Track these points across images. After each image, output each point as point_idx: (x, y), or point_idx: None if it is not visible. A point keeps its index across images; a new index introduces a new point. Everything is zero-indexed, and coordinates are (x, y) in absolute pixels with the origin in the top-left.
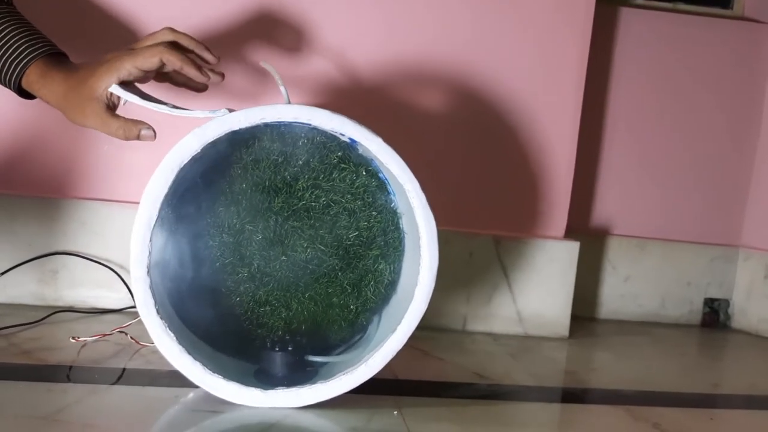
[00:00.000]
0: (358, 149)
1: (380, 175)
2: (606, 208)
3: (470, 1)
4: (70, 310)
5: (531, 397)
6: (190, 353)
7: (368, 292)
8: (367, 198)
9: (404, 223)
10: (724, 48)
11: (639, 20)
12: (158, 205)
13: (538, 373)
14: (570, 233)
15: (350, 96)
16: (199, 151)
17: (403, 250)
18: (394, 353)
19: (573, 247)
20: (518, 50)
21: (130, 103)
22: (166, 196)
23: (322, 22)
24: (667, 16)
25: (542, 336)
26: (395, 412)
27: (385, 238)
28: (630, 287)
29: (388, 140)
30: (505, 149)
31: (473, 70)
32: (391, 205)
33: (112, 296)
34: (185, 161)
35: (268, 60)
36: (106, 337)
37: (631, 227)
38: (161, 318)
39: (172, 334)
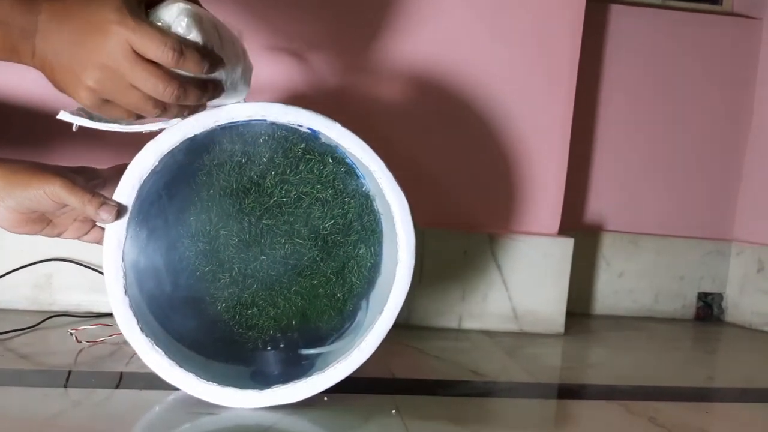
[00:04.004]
0: (320, 138)
1: (347, 160)
2: (599, 204)
3: (462, 1)
4: (65, 314)
5: (527, 393)
6: (181, 366)
7: (353, 278)
8: (338, 185)
9: (378, 205)
10: (713, 43)
11: (629, 17)
12: (125, 225)
13: (534, 369)
14: (564, 230)
15: (342, 100)
16: (157, 164)
17: (381, 232)
18: (384, 334)
19: (567, 244)
20: (509, 49)
21: (82, 127)
22: (131, 213)
23: (302, 16)
24: (656, 13)
25: (537, 332)
26: (393, 411)
27: (362, 222)
28: (624, 283)
29: (381, 141)
30: (499, 147)
31: (465, 69)
32: (363, 189)
33: (107, 300)
34: (144, 176)
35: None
36: (103, 341)
37: (625, 223)
38: (146, 335)
39: (160, 350)
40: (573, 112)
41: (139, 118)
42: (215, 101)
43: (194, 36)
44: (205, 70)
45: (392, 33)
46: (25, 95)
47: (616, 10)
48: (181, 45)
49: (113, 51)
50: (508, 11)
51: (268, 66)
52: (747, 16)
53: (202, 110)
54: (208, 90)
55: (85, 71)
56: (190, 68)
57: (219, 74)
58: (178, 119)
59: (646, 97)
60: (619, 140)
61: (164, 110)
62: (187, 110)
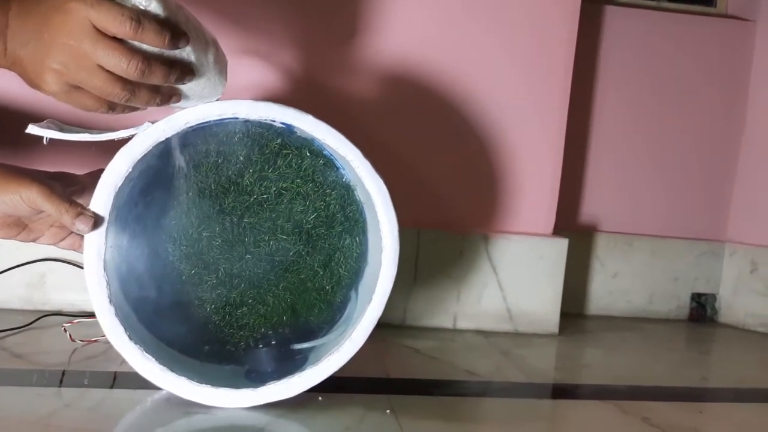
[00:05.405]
0: (296, 132)
1: (325, 152)
2: (594, 205)
3: (457, 1)
4: (59, 313)
5: (522, 393)
6: (173, 370)
7: (340, 269)
8: (318, 178)
9: (359, 194)
10: (708, 45)
11: (624, 18)
12: (103, 234)
13: (529, 369)
14: (558, 230)
15: (330, 102)
16: (131, 170)
17: (364, 221)
18: (375, 323)
19: (562, 244)
20: (504, 49)
21: (52, 139)
22: (109, 222)
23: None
24: (651, 14)
25: (532, 333)
26: (387, 411)
27: (344, 213)
28: (618, 283)
29: (373, 143)
30: (493, 148)
31: (459, 69)
32: (343, 180)
33: None
34: (119, 184)
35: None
36: (97, 341)
37: (619, 224)
38: (135, 343)
39: (150, 356)
40: (568, 113)
41: (111, 109)
42: (190, 99)
43: (154, 8)
44: (166, 41)
45: (389, 32)
46: (17, 98)
47: (610, 11)
48: (139, 15)
49: (74, 29)
50: (503, 12)
51: (244, 69)
52: (741, 18)
53: (176, 101)
54: (175, 68)
55: (49, 54)
56: (150, 39)
57: (188, 55)
58: (148, 123)
59: (641, 98)
60: (614, 141)
61: (133, 93)
62: (159, 95)
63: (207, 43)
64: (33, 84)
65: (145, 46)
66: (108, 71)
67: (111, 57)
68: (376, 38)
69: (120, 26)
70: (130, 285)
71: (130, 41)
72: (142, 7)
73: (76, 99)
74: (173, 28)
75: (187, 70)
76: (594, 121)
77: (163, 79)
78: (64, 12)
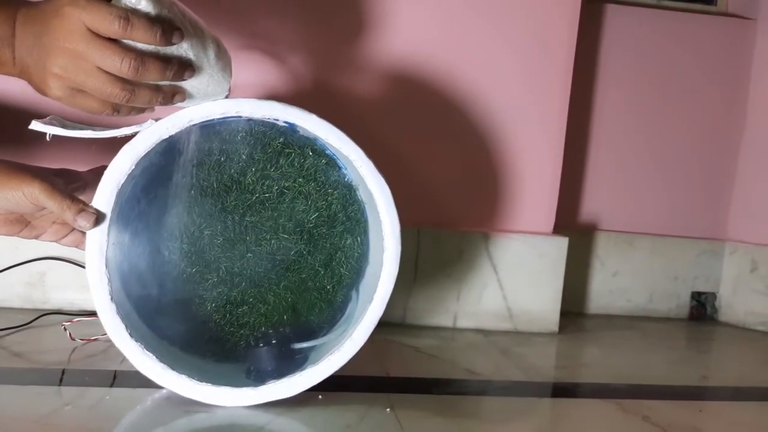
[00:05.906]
0: (299, 131)
1: (327, 152)
2: (594, 203)
3: (459, 1)
4: (59, 312)
5: (522, 392)
6: (173, 368)
7: (341, 269)
8: (320, 177)
9: (361, 194)
10: (708, 44)
11: (624, 17)
12: (106, 231)
13: (529, 368)
14: (559, 229)
15: (331, 100)
16: (134, 167)
17: (366, 221)
18: (376, 323)
19: (562, 243)
20: (505, 48)
21: (54, 136)
22: (111, 219)
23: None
24: (652, 12)
25: (532, 332)
26: (388, 410)
27: (346, 212)
28: (618, 282)
29: (374, 142)
30: (494, 146)
31: (459, 68)
32: (345, 179)
33: None
34: (122, 181)
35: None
36: (97, 339)
37: (619, 223)
38: (136, 341)
39: (151, 354)
40: (568, 112)
41: (116, 111)
42: (195, 97)
43: (144, 5)
44: (158, 37)
45: (391, 32)
46: (18, 97)
47: (611, 9)
48: (128, 13)
49: (70, 32)
50: (503, 11)
51: (247, 68)
52: (741, 17)
53: (180, 99)
54: (172, 64)
55: (50, 58)
56: (140, 36)
57: (185, 51)
58: (152, 121)
59: (641, 96)
60: (614, 140)
61: (133, 93)
62: (161, 94)
63: (206, 39)
64: (39, 89)
65: (140, 45)
66: (106, 72)
67: (105, 57)
68: (379, 38)
69: (110, 25)
70: (131, 282)
71: (125, 41)
72: (132, 6)
73: (80, 102)
74: (166, 25)
75: (185, 66)
76: (594, 120)
77: (160, 76)
78: (60, 16)
